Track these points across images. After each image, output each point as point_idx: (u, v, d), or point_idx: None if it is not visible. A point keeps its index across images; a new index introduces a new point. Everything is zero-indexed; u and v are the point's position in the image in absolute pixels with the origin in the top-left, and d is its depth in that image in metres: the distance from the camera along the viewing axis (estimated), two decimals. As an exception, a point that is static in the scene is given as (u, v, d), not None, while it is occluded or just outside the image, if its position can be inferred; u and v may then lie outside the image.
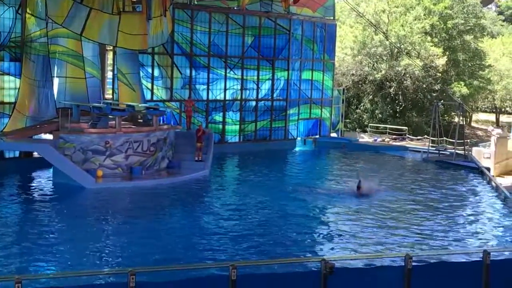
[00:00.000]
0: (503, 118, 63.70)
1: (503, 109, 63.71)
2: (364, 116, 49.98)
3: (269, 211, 21.58)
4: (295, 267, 13.14)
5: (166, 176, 26.45)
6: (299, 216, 20.91)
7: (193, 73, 34.26)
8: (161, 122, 28.70)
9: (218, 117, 35.54)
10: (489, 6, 77.34)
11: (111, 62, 33.22)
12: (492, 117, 67.27)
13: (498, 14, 75.94)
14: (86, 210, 21.17)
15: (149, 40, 28.38)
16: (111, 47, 30.80)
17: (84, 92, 29.33)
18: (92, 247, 16.69)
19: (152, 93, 32.87)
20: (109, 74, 34.53)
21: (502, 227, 20.87)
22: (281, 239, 18.05)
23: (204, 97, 34.91)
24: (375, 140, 42.36)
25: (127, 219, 19.78)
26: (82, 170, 24.03)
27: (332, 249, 17.41)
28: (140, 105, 28.21)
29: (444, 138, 37.24)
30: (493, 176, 31.01)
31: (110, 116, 25.85)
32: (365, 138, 43.10)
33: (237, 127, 36.31)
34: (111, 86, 32.84)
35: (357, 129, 47.63)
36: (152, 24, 28.34)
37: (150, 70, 32.73)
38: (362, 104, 50.88)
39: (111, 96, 32.32)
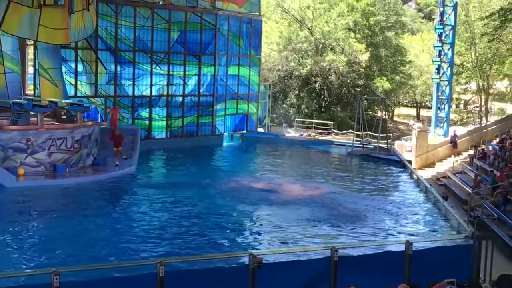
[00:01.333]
0: (423, 112, 65.81)
1: (423, 104, 65.83)
2: (291, 111, 50.58)
3: (195, 207, 21.45)
4: (223, 263, 13.16)
5: (91, 173, 25.89)
6: (226, 212, 20.90)
7: (118, 68, 33.67)
8: (85, 118, 28.07)
9: (145, 113, 35.06)
10: (409, 3, 79.66)
11: (32, 57, 32.18)
12: (413, 111, 69.38)
13: (417, 12, 78.32)
14: (6, 209, 20.44)
15: (71, 34, 27.68)
16: (32, 42, 29.85)
17: (4, 87, 28.34)
18: (13, 247, 16.14)
19: (76, 89, 32.11)
20: (30, 70, 33.46)
21: (423, 217, 21.57)
22: (208, 235, 17.97)
23: (130, 93, 34.37)
24: (301, 134, 42.90)
25: (49, 219, 19.21)
26: (2, 169, 23.18)
27: (260, 244, 17.51)
28: (63, 101, 27.48)
29: (368, 132, 38.18)
30: (414, 168, 32.02)
31: (31, 113, 25.07)
32: (291, 133, 43.58)
33: (164, 123, 35.93)
34: (32, 82, 31.84)
35: (283, 124, 48.17)
36: (74, 18, 27.65)
37: (73, 65, 31.95)
38: (288, 99, 51.48)
39: (32, 92, 31.33)
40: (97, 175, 25.54)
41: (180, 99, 36.51)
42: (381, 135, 36.31)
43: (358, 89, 50.50)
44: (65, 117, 27.12)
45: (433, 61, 43.12)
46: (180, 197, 22.71)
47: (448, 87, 42.21)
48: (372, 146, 36.54)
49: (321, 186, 25.51)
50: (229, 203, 22.04)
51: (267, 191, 24.01)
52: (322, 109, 50.96)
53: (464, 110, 59.28)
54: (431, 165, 37.07)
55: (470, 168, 32.20)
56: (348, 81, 51.08)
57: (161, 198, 22.77)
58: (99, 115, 32.21)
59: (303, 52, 51.29)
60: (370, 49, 53.47)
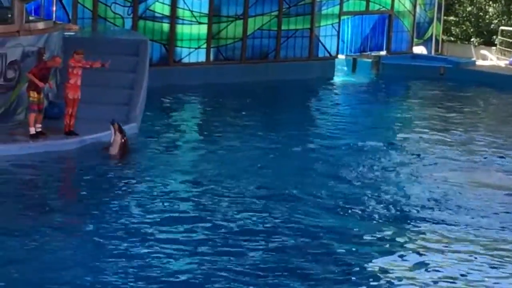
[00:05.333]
0: None
1: None
2: (490, 11, 28.38)
3: (273, 209, 10.85)
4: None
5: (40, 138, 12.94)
6: (339, 225, 10.40)
7: None
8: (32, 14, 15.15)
9: (161, 7, 19.63)
10: None
11: None
12: None
13: None
14: None
15: None
16: None
17: None
18: None
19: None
20: None
21: None
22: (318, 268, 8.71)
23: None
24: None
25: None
26: None
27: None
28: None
29: None
30: None
31: None
32: (490, 58, 25.76)
33: (203, 29, 20.46)
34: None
35: (473, 39, 28.20)
36: None
37: None
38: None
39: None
40: (53, 142, 12.78)
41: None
42: None
43: None
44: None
45: None
46: (239, 187, 11.72)
47: None
48: None
49: None
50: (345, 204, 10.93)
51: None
52: None
53: None
54: None
55: None
56: None
57: (194, 191, 11.44)
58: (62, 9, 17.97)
59: None
60: None
